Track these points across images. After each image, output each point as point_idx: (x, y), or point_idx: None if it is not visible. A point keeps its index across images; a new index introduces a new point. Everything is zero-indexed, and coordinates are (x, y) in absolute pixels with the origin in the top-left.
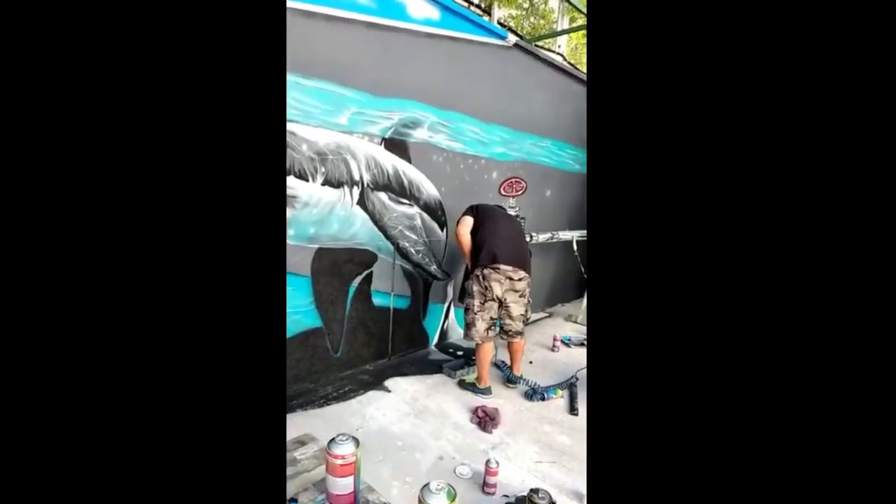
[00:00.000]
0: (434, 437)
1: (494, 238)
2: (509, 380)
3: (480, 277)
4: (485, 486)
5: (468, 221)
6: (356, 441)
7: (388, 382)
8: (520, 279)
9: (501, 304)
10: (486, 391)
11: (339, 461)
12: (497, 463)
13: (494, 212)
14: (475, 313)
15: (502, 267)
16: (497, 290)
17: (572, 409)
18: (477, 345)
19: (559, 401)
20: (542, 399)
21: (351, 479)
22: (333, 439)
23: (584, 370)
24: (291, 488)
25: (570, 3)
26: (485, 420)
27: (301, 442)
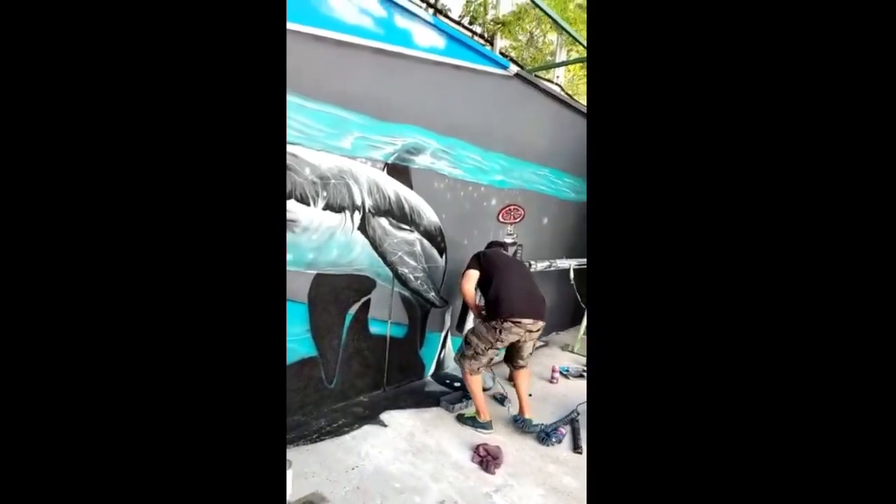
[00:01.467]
0: (434, 478)
1: (511, 291)
2: (524, 428)
3: (498, 330)
4: None
5: (473, 277)
6: None
7: (384, 416)
8: (537, 329)
9: (513, 344)
10: (487, 426)
11: None
12: None
13: (502, 259)
14: (478, 353)
15: (524, 321)
16: (512, 339)
17: (576, 448)
18: (464, 373)
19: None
20: (559, 442)
21: None
22: None
23: (585, 404)
24: None
25: (568, 33)
26: (487, 460)
27: None
